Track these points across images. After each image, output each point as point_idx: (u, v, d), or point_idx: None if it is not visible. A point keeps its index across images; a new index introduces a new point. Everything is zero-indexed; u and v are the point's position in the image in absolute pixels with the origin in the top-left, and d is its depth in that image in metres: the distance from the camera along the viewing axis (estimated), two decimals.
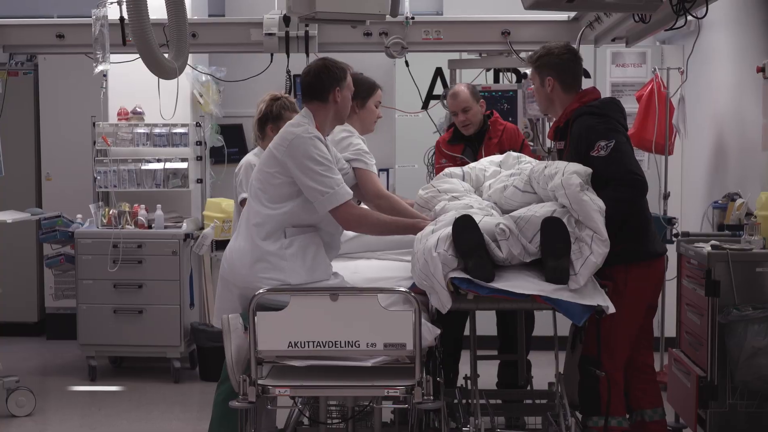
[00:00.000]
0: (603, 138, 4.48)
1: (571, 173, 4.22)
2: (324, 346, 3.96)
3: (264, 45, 6.62)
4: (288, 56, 6.62)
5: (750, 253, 5.08)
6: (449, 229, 4.05)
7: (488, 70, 7.13)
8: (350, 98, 4.70)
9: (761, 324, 4.84)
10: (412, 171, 7.85)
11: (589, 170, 4.31)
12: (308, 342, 3.96)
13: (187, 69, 7.41)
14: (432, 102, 7.12)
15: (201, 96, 7.82)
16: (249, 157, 5.68)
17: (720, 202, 6.16)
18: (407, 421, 4.84)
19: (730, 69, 6.66)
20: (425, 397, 3.98)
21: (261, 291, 4.04)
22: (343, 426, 4.83)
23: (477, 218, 4.10)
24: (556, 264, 4.01)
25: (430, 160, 6.73)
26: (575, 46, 6.17)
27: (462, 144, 6.10)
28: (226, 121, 8.21)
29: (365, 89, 5.16)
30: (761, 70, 5.83)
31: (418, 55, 6.81)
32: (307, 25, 6.51)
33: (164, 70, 4.79)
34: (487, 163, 5.18)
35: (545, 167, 4.42)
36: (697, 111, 7.21)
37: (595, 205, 4.12)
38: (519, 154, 5.27)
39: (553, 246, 4.02)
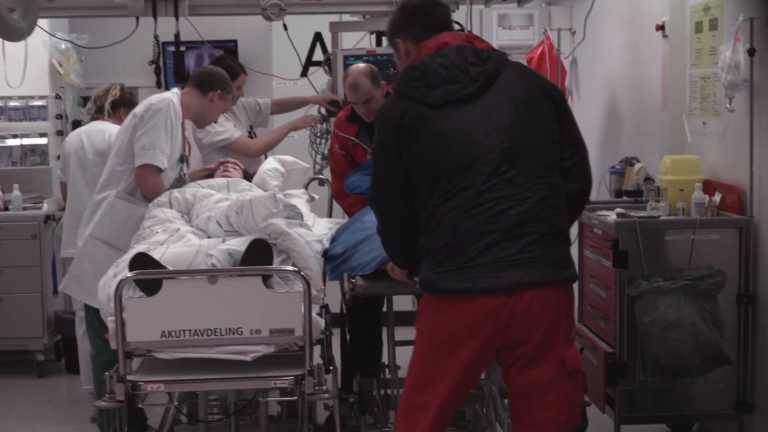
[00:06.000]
0: None
1: (258, 215, 4.06)
2: (202, 335, 3.61)
3: (128, 8, 6.12)
4: (156, 20, 6.16)
5: (658, 221, 4.81)
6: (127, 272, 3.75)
7: (372, 32, 6.78)
8: (221, 109, 5.15)
9: (672, 296, 4.56)
10: (291, 141, 7.47)
11: (271, 193, 4.17)
12: (184, 331, 3.60)
13: (45, 36, 6.91)
14: (312, 68, 6.75)
15: (60, 65, 7.36)
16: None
17: (617, 167, 5.94)
18: (296, 413, 4.54)
19: (628, 28, 6.43)
20: (317, 388, 3.67)
21: (129, 275, 3.63)
22: (225, 422, 4.45)
23: (163, 250, 3.95)
24: None
25: (313, 129, 6.38)
26: (466, 6, 5.86)
27: (357, 125, 5.55)
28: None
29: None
30: (660, 27, 5.65)
31: (296, 18, 6.42)
32: None
33: (11, 31, 4.29)
34: (197, 186, 4.88)
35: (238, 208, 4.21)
36: (592, 73, 6.99)
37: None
38: (251, 184, 5.01)
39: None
